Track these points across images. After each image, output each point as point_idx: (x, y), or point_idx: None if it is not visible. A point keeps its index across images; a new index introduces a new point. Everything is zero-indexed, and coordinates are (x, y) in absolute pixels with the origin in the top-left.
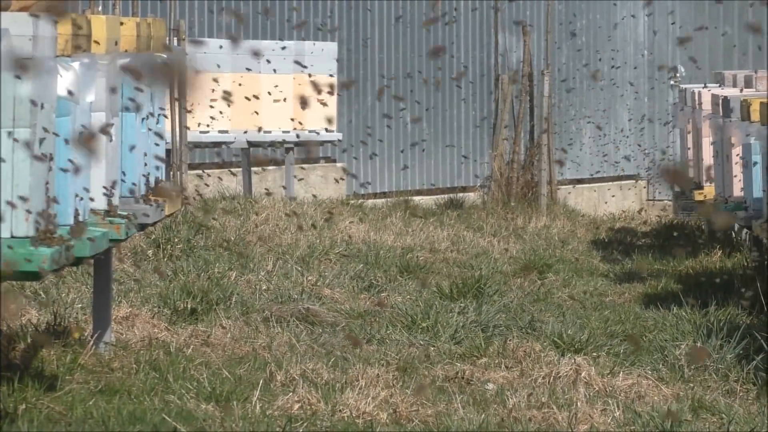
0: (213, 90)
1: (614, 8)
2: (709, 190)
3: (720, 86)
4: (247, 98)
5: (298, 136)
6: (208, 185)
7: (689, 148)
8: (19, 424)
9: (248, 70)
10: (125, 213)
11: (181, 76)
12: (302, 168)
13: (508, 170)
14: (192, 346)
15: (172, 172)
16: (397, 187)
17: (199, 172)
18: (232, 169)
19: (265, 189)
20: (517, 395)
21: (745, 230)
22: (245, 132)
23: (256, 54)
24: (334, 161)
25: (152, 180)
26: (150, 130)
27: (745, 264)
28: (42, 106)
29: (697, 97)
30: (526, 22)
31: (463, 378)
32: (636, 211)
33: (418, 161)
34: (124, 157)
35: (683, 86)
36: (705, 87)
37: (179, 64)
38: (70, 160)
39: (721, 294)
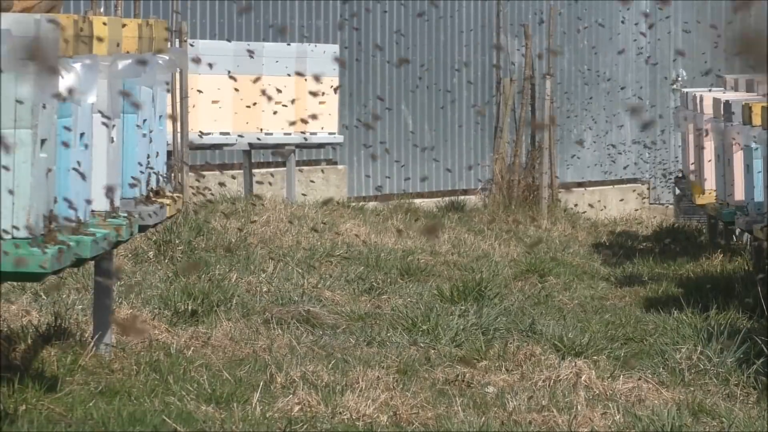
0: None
1: (616, 12)
2: (709, 194)
3: (722, 90)
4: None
5: (305, 139)
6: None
7: (690, 152)
8: (19, 424)
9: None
10: (126, 214)
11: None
12: (303, 170)
13: (510, 173)
14: (192, 348)
15: (173, 174)
16: (398, 190)
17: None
18: (233, 172)
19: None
20: (517, 398)
21: (746, 234)
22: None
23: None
24: (336, 163)
25: (153, 182)
26: (151, 131)
27: (746, 268)
28: (44, 107)
29: (698, 101)
30: (528, 25)
31: (463, 381)
32: (638, 215)
33: (419, 164)
34: (125, 159)
35: (685, 90)
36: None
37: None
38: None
39: (722, 298)
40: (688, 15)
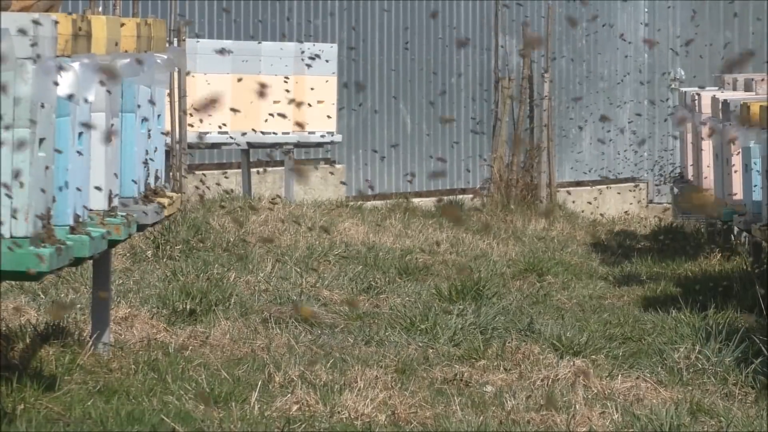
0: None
1: (614, 11)
2: (708, 193)
3: (720, 89)
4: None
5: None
6: (208, 187)
7: (689, 152)
8: (17, 424)
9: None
10: (124, 213)
11: None
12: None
13: (508, 172)
14: (191, 347)
15: (171, 173)
16: (397, 189)
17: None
18: (229, 170)
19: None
20: (515, 397)
21: (744, 234)
22: (244, 134)
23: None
24: (334, 163)
25: (152, 181)
26: (150, 130)
27: (744, 267)
28: (42, 106)
29: (696, 100)
30: (527, 24)
31: (461, 380)
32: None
33: (418, 163)
34: (123, 158)
35: (683, 89)
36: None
37: None
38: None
39: (720, 297)
40: (687, 16)
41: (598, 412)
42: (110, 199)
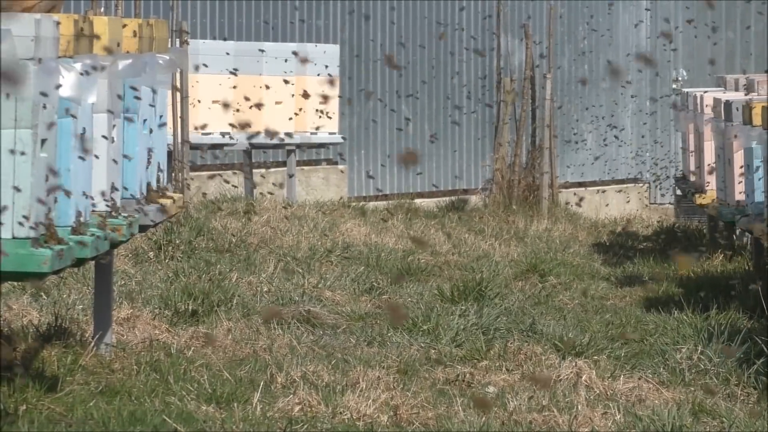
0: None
1: (616, 11)
2: (710, 194)
3: (722, 90)
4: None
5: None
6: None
7: (691, 152)
8: (19, 424)
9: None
10: (126, 214)
11: None
12: (303, 170)
13: (510, 173)
14: (193, 348)
15: (173, 174)
16: (399, 189)
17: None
18: (233, 171)
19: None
20: (517, 398)
21: (746, 234)
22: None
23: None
24: (336, 163)
25: (154, 181)
26: (151, 131)
27: (746, 267)
28: (44, 107)
29: (698, 101)
30: (529, 25)
31: (464, 381)
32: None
33: (420, 163)
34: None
35: (685, 90)
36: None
37: None
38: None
39: (722, 297)
40: (688, 16)
41: (600, 412)
42: (112, 200)
